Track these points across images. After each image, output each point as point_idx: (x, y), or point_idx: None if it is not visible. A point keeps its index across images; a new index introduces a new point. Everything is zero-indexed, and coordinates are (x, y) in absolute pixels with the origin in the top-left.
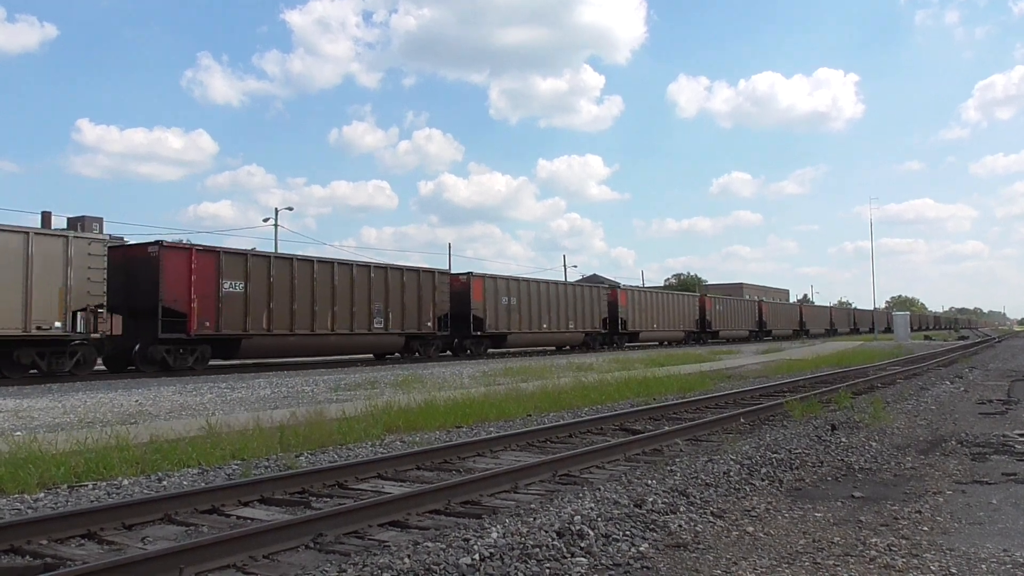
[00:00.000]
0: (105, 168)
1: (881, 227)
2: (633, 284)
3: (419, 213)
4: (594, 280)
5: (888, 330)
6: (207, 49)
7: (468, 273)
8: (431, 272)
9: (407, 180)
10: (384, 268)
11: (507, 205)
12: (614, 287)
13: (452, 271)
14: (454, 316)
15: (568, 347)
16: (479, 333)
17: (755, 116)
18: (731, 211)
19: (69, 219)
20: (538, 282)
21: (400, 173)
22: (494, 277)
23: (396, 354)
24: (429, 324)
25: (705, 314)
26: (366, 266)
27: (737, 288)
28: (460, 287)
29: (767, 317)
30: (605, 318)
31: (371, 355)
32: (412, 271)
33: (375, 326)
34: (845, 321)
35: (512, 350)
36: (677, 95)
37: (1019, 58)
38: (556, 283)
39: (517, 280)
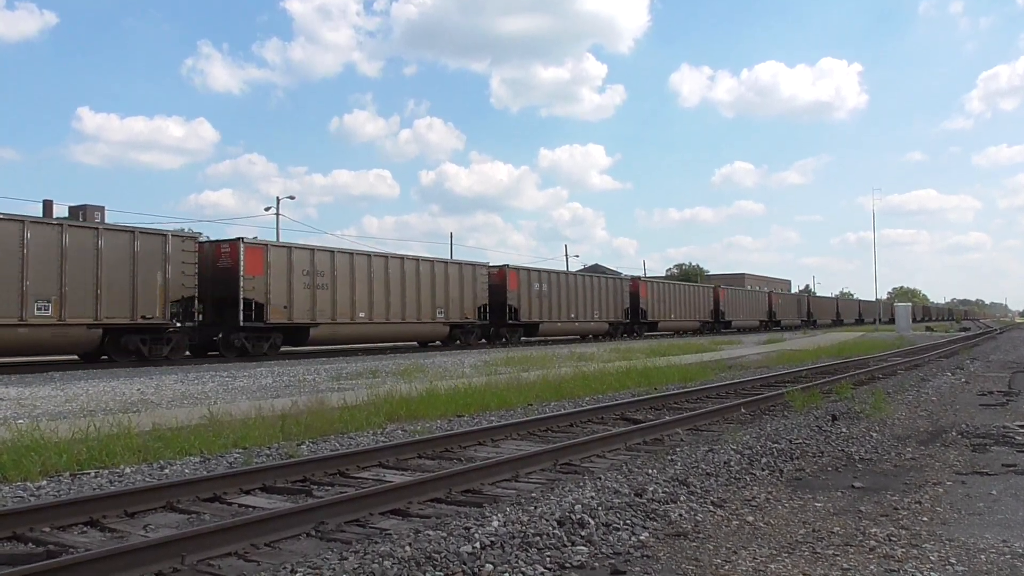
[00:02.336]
0: (106, 156)
1: (883, 218)
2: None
3: (420, 202)
4: (595, 270)
5: (890, 321)
6: (207, 37)
7: (637, 277)
8: (624, 279)
9: (408, 169)
10: (605, 278)
11: (508, 194)
12: (716, 287)
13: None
14: (632, 309)
15: (685, 332)
16: (644, 320)
17: (758, 106)
18: (733, 201)
19: (70, 208)
20: (677, 283)
21: (401, 162)
22: (656, 281)
23: (590, 336)
24: (620, 316)
25: (773, 307)
26: (603, 275)
27: (739, 278)
28: (634, 289)
29: (813, 309)
30: (712, 309)
31: (578, 337)
32: (611, 278)
33: (610, 316)
34: (871, 312)
35: (659, 334)
36: (680, 84)
37: (1023, 49)
38: (687, 284)
39: (664, 282)
